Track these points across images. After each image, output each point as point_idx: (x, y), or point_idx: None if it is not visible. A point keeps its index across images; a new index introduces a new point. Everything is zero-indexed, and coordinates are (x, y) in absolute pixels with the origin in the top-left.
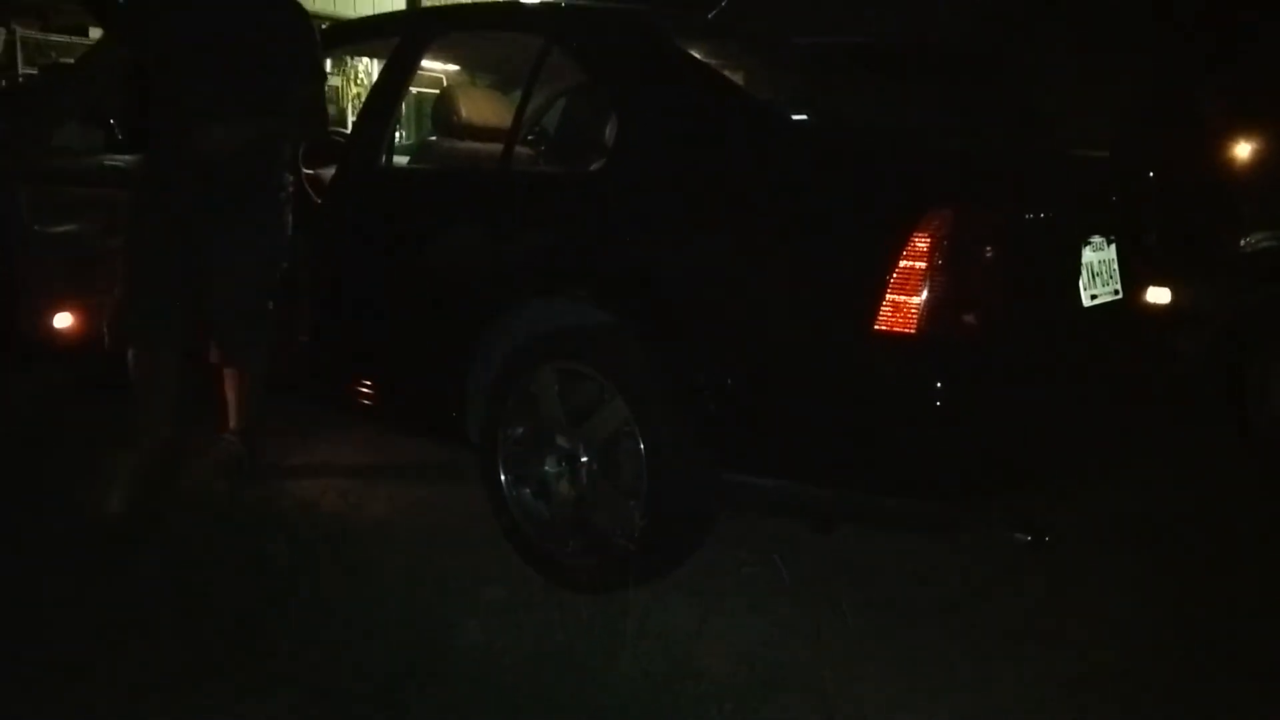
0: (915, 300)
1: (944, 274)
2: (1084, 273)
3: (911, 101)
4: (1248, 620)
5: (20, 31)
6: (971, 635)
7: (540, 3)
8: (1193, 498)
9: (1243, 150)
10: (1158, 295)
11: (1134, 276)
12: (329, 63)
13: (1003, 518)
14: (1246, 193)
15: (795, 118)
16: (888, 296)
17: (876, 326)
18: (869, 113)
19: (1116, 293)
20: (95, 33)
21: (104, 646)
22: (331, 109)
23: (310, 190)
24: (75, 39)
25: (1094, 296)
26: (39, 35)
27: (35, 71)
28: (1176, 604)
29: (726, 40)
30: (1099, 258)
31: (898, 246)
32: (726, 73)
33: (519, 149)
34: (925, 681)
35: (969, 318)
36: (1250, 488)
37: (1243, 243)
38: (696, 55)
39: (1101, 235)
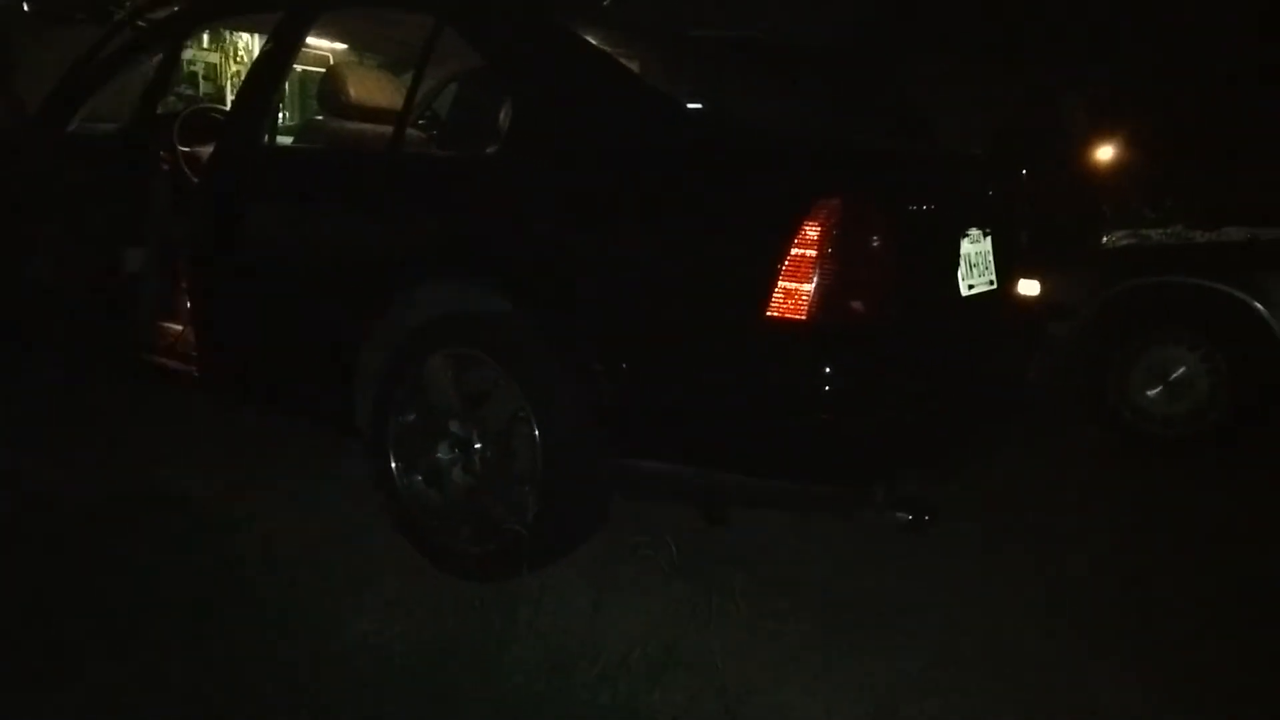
0: (805, 287)
1: (832, 261)
2: (962, 263)
3: (799, 96)
4: (1108, 591)
5: None
6: (853, 614)
7: None
8: (1058, 478)
9: (1104, 154)
10: (1028, 287)
11: (1008, 268)
12: (205, 37)
13: (886, 498)
14: (1107, 193)
15: (689, 106)
16: (779, 283)
17: (768, 313)
18: (760, 105)
19: (991, 283)
20: None
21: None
22: (208, 85)
23: (187, 168)
24: None
25: (971, 286)
26: None
27: None
28: (1041, 579)
29: (619, 30)
30: (976, 250)
31: (788, 234)
32: (621, 60)
33: (410, 131)
34: (810, 659)
35: (856, 304)
36: (1112, 470)
37: (1105, 239)
38: (593, 41)
39: (978, 228)
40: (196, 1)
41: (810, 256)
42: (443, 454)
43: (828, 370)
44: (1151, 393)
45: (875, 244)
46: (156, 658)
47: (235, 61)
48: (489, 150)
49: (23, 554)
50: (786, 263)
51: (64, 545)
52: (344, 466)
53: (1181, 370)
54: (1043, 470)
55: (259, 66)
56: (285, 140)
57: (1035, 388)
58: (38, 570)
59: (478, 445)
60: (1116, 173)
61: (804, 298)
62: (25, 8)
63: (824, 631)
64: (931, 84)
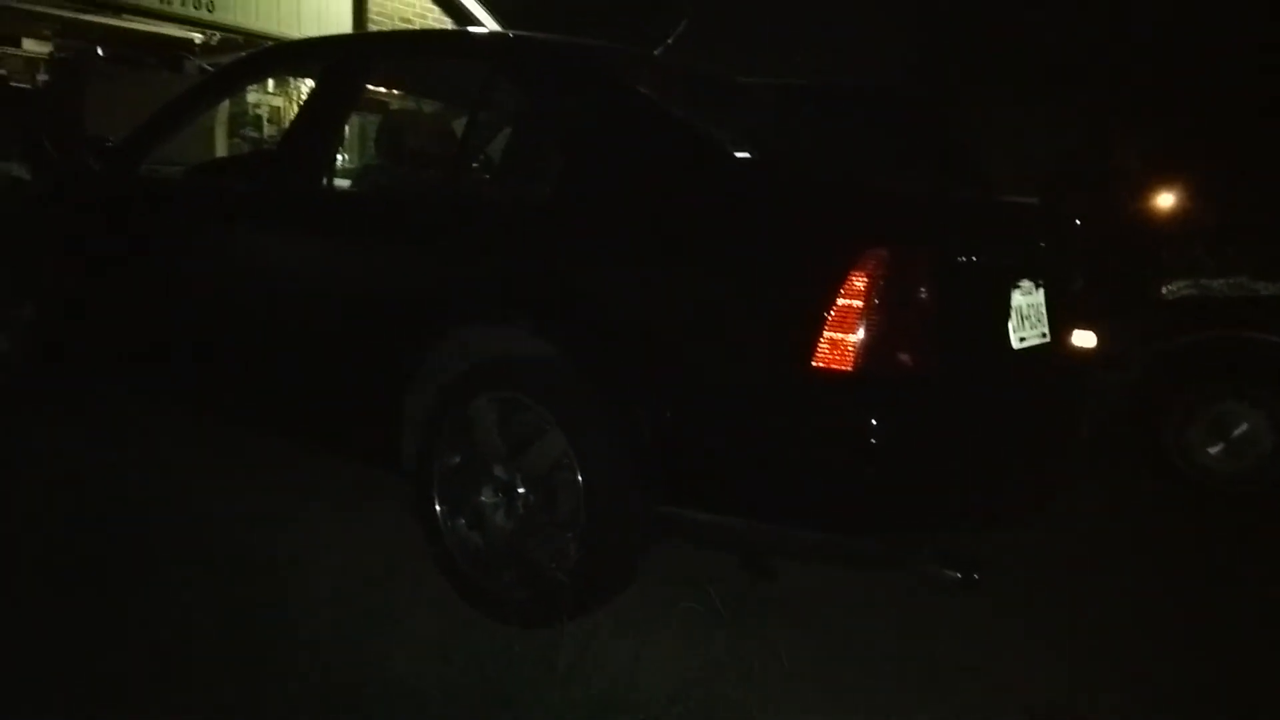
0: (852, 338)
1: (880, 312)
2: (1013, 315)
3: (851, 143)
4: (1178, 650)
5: None
6: (899, 669)
7: (488, 32)
8: (1113, 531)
9: (1164, 201)
10: (1083, 338)
11: (1061, 320)
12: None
13: (933, 554)
14: (1167, 242)
15: (738, 154)
16: (825, 333)
17: (814, 363)
18: (810, 152)
19: (1044, 336)
20: (28, 43)
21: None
22: (273, 129)
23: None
24: (8, 50)
25: (1022, 339)
26: None
27: None
28: (1100, 638)
29: (672, 75)
30: (1028, 301)
31: (835, 284)
32: (671, 107)
33: (462, 176)
34: (855, 717)
35: (904, 356)
36: (1168, 524)
37: (1164, 290)
38: (642, 88)
39: (1030, 279)
40: (264, 51)
41: (857, 307)
42: (486, 497)
43: (873, 422)
44: (1213, 450)
45: (923, 295)
46: (196, 697)
47: (298, 105)
48: (537, 196)
49: (68, 583)
50: (833, 313)
51: (109, 577)
52: (386, 500)
53: (1244, 427)
54: (1096, 524)
55: (307, 109)
56: (342, 182)
57: (1088, 442)
58: (84, 601)
59: (521, 490)
60: (1175, 219)
61: (850, 348)
62: (100, 52)
63: (867, 687)
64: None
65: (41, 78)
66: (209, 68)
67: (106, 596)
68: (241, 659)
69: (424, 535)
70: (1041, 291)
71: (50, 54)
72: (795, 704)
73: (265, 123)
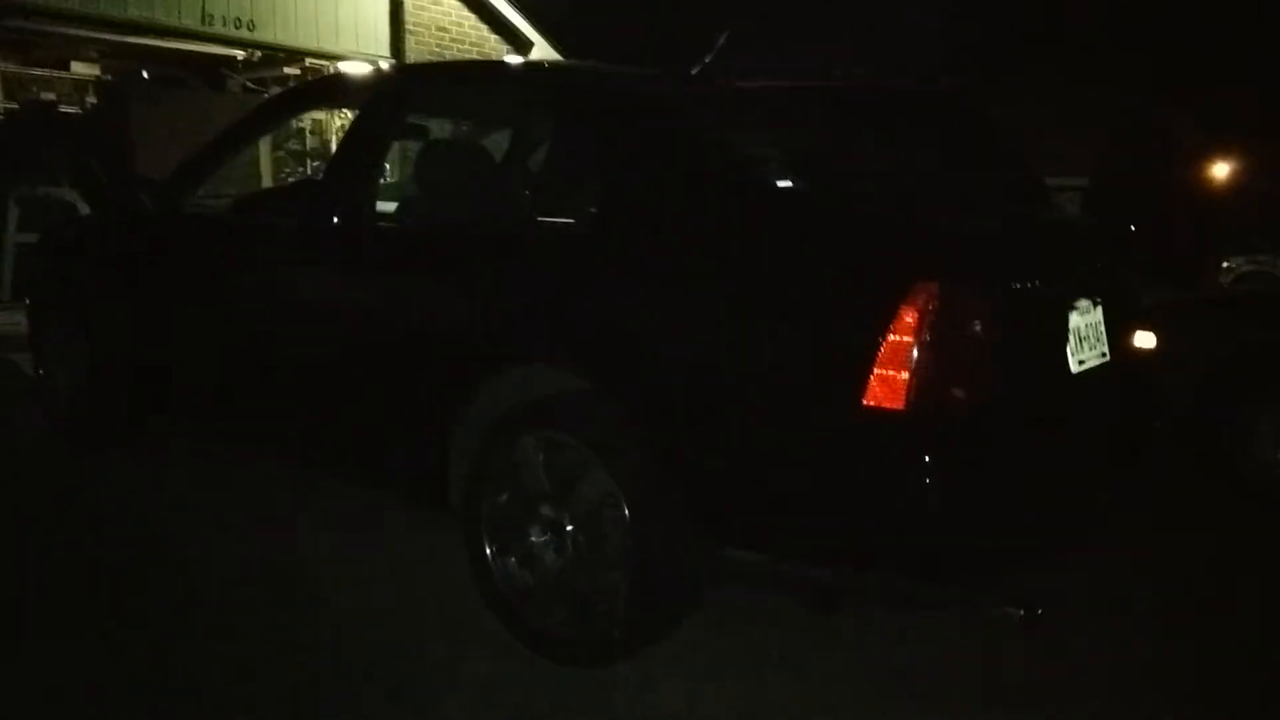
0: (903, 375)
1: (932, 349)
2: (1071, 338)
3: (894, 153)
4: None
5: (0, 65)
6: (963, 709)
7: (525, 63)
8: (1188, 555)
9: (1220, 172)
10: (1142, 340)
11: (1121, 336)
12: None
13: (994, 592)
14: (1226, 216)
15: (781, 185)
16: (875, 371)
17: (865, 402)
18: (854, 172)
19: (1104, 355)
20: (77, 66)
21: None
22: (315, 140)
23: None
24: (55, 73)
25: (1081, 362)
26: (19, 69)
27: (16, 106)
28: (1176, 671)
29: (710, 95)
30: (1086, 321)
31: (884, 321)
32: (710, 131)
33: (501, 212)
34: None
35: (958, 392)
36: (1243, 538)
37: (1225, 264)
38: (682, 117)
39: (1088, 299)
40: (306, 86)
41: (907, 343)
42: (535, 536)
43: (928, 463)
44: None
45: (975, 328)
46: None
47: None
48: (576, 232)
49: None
50: (883, 350)
51: (174, 625)
52: (435, 534)
53: None
54: (1158, 537)
55: (348, 143)
56: (380, 215)
57: (1155, 454)
58: (157, 642)
59: (569, 528)
60: (1233, 193)
61: (902, 386)
62: (144, 75)
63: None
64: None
65: (90, 100)
66: (251, 85)
67: (166, 643)
68: (295, 693)
69: (473, 574)
70: (1100, 309)
71: (97, 77)
72: None
73: (309, 134)
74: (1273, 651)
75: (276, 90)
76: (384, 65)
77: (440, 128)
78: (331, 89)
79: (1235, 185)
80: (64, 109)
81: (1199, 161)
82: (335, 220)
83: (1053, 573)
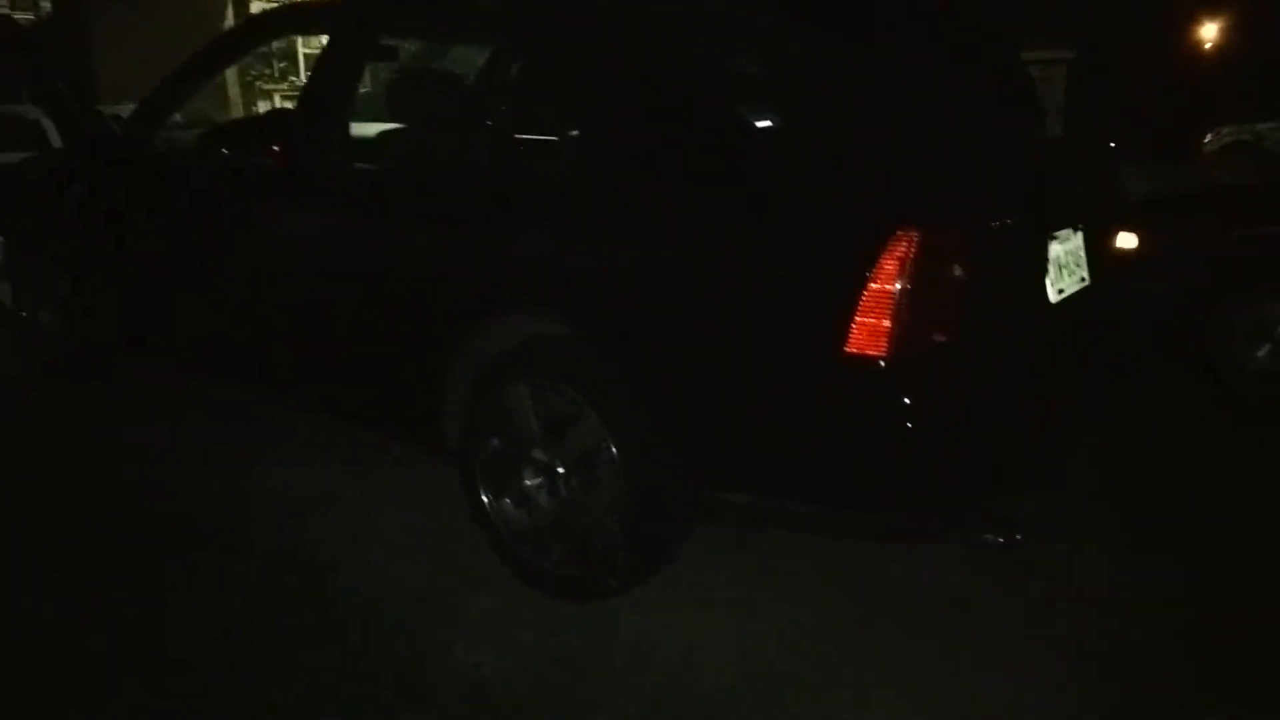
0: (884, 323)
1: (912, 296)
2: (1051, 269)
3: (876, 54)
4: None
5: None
6: (960, 634)
7: None
8: (1160, 447)
9: (1211, 35)
10: (1125, 240)
11: (1102, 258)
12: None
13: (976, 523)
14: (1213, 84)
15: (759, 124)
16: (856, 319)
17: (846, 349)
18: (832, 90)
19: (1083, 280)
20: None
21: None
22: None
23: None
24: None
25: (1061, 290)
26: None
27: None
28: (1161, 593)
29: (689, 17)
30: (1065, 249)
31: (865, 269)
32: (685, 65)
33: (477, 154)
34: (928, 693)
35: (939, 336)
36: (1215, 430)
37: (1208, 138)
38: (660, 49)
39: (1068, 227)
40: (271, 14)
41: (888, 291)
42: (529, 479)
43: (909, 405)
44: (1260, 353)
45: (956, 273)
46: (263, 681)
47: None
48: (554, 177)
49: (143, 564)
50: (864, 298)
51: (168, 564)
52: (430, 472)
53: None
54: (1140, 441)
55: (319, 73)
56: (351, 153)
57: (1135, 379)
58: (156, 584)
59: (561, 471)
60: (1219, 61)
61: (883, 333)
62: None
63: (935, 662)
64: None
65: (44, 4)
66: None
67: (162, 584)
68: (304, 650)
69: (471, 514)
70: (1080, 234)
71: None
72: (854, 676)
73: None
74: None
75: None
76: None
77: (415, 59)
78: (301, 16)
79: (1229, 49)
80: (16, 17)
81: (1191, 24)
82: (310, 162)
83: (1037, 497)
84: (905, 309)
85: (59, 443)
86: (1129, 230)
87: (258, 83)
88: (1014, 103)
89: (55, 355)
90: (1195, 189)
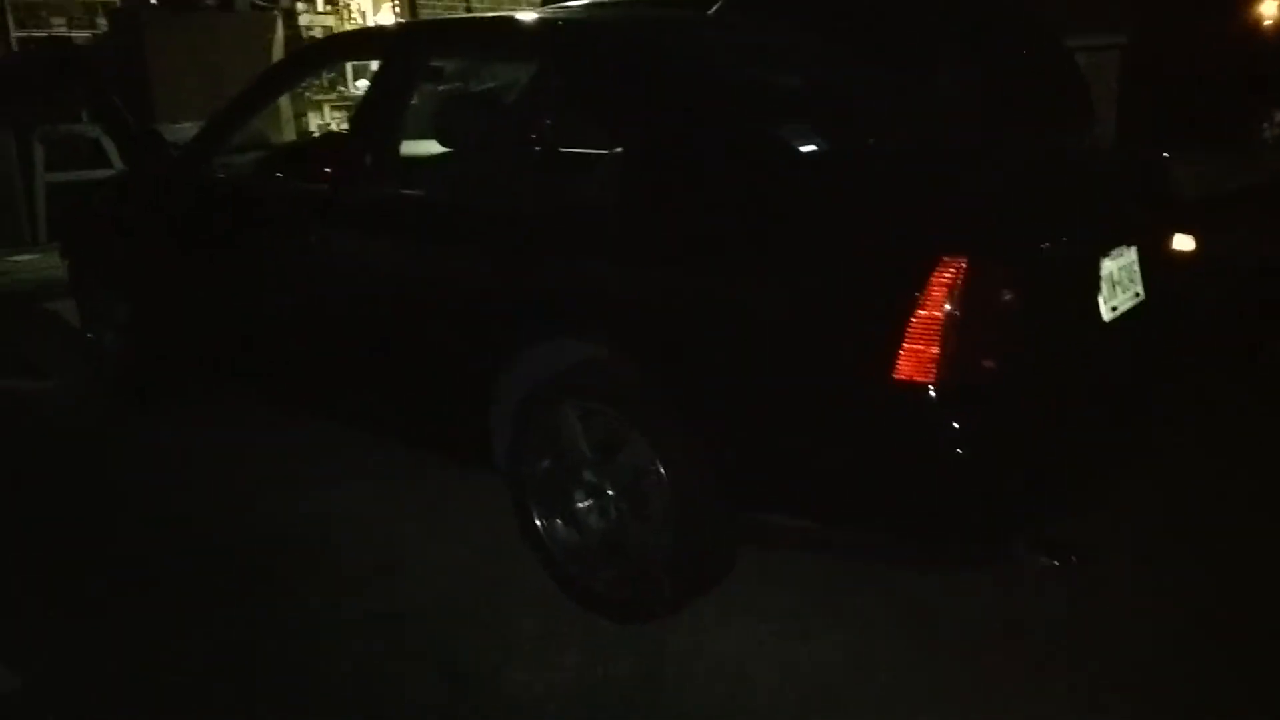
0: (932, 349)
1: (961, 323)
2: (1104, 286)
3: (918, 83)
4: None
5: None
6: (1011, 663)
7: (537, 18)
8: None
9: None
10: (1181, 243)
11: (1158, 271)
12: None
13: (1027, 547)
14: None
15: (805, 149)
16: (904, 346)
17: (894, 375)
18: (877, 119)
19: (1138, 295)
20: None
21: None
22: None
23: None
24: None
25: (1114, 308)
26: None
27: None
28: (1217, 614)
29: (729, 41)
30: (1119, 265)
31: (913, 296)
32: (731, 84)
33: (521, 179)
34: (978, 717)
35: (987, 362)
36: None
37: (1265, 125)
38: (701, 77)
39: (1121, 244)
40: (324, 43)
41: (937, 318)
42: (579, 500)
43: (958, 433)
44: None
45: (1006, 298)
46: (314, 700)
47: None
48: (598, 201)
49: (200, 601)
50: (911, 324)
51: (233, 591)
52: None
53: None
54: (1196, 454)
55: (372, 111)
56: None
57: (1191, 393)
58: (220, 619)
59: (611, 492)
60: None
61: (931, 360)
62: (153, 1)
63: (982, 681)
64: None
65: (100, 22)
66: (261, 4)
67: (225, 606)
68: (355, 670)
69: (522, 533)
70: (1134, 249)
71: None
72: (906, 698)
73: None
74: None
75: (285, 4)
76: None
77: (464, 86)
78: (353, 44)
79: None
80: (75, 38)
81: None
82: (362, 189)
83: (1092, 517)
84: (953, 336)
85: (109, 462)
86: (1185, 234)
87: (307, 93)
88: (1064, 107)
89: (118, 376)
90: (1256, 183)
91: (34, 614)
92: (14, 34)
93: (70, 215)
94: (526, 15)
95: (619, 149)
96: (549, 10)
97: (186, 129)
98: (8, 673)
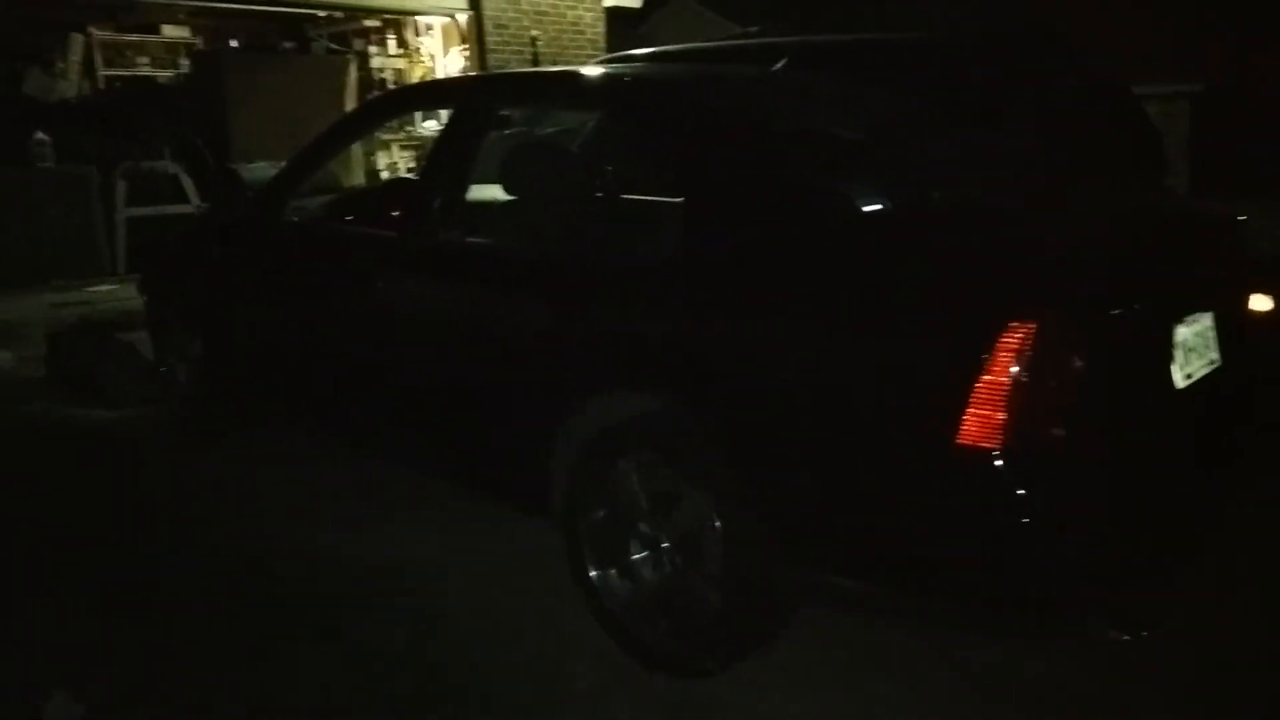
0: (999, 415)
1: (1029, 389)
2: (1177, 353)
3: (986, 141)
4: None
5: (95, 34)
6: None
7: (603, 73)
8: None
9: None
10: (1259, 304)
11: (1235, 337)
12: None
13: (1095, 618)
14: None
15: (872, 207)
16: (970, 410)
17: (959, 440)
18: (943, 177)
19: (1213, 362)
20: (168, 29)
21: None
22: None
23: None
24: (148, 37)
25: (1189, 376)
26: (113, 35)
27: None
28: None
29: (793, 98)
30: (1194, 331)
31: (979, 360)
32: (795, 142)
33: (585, 229)
34: None
35: (1055, 429)
36: None
37: None
38: (766, 133)
39: (1195, 310)
40: (396, 93)
41: (1004, 383)
42: (634, 552)
43: (1024, 501)
44: None
45: (1076, 364)
46: None
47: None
48: (661, 256)
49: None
50: (978, 389)
51: (277, 632)
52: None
53: None
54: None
55: (439, 151)
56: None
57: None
58: (269, 657)
59: (666, 545)
60: None
61: (997, 426)
62: (233, 44)
63: None
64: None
65: (182, 62)
66: (334, 47)
67: (277, 645)
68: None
69: (575, 582)
70: (1209, 315)
71: (187, 39)
72: None
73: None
74: None
75: (358, 47)
76: (472, 74)
77: (528, 130)
78: (425, 94)
79: None
80: (158, 78)
81: None
82: (428, 236)
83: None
84: (1021, 401)
85: (174, 494)
86: (1264, 294)
87: (376, 133)
88: (1136, 159)
89: (189, 409)
90: None
91: (97, 642)
92: (100, 72)
93: (149, 251)
94: (596, 71)
95: (682, 201)
96: (615, 66)
97: (262, 168)
98: (73, 702)
